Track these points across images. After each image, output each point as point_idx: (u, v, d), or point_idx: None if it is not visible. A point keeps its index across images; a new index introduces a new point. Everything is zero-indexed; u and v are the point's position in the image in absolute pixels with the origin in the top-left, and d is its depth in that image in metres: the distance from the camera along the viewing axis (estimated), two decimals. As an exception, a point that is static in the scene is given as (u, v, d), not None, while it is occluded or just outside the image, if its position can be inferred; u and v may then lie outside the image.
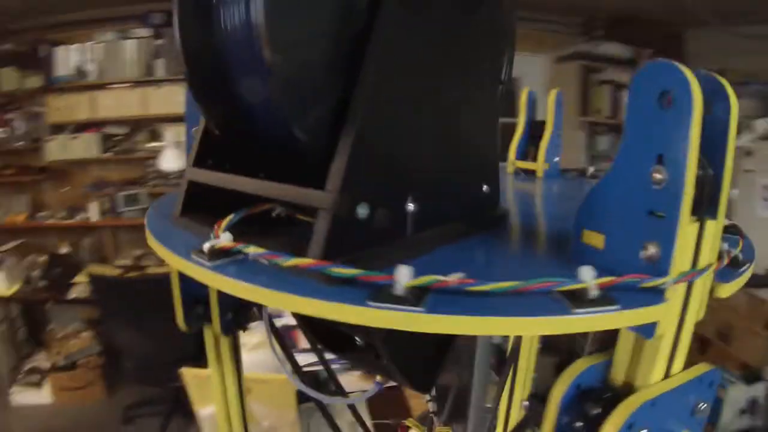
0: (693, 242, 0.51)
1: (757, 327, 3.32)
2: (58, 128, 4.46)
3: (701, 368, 0.58)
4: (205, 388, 2.17)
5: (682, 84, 0.47)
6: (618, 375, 0.59)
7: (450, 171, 0.65)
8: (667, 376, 0.57)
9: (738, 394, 3.13)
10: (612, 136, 4.60)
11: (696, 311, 0.55)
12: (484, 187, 0.70)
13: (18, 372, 3.88)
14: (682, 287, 0.52)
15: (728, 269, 0.59)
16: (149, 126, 4.60)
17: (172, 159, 2.80)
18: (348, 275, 0.47)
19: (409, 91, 0.57)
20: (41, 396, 3.73)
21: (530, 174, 1.23)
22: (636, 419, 0.52)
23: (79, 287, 4.07)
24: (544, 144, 1.20)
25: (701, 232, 0.51)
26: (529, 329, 0.47)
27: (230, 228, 0.56)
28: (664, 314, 0.51)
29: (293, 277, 0.49)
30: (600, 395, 0.57)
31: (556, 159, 1.24)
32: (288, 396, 2.31)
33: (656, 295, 0.50)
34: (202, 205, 0.64)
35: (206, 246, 0.52)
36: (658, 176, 0.50)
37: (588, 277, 0.48)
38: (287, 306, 0.47)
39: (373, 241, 0.53)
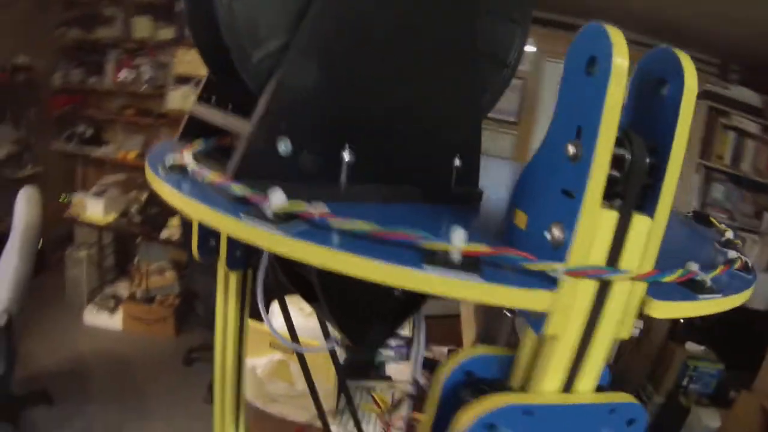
0: (608, 234, 0.44)
1: None
2: (182, 80, 4.67)
3: (617, 397, 0.51)
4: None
5: (605, 48, 0.41)
6: (517, 374, 0.53)
7: (407, 136, 0.63)
8: (568, 390, 0.49)
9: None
10: (729, 186, 4.26)
11: (614, 323, 0.47)
12: (456, 162, 0.66)
13: (96, 295, 4.15)
14: (589, 285, 0.45)
15: (685, 289, 0.51)
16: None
17: None
18: (238, 193, 0.49)
19: (356, 47, 0.57)
20: (112, 321, 3.94)
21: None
22: (499, 422, 0.46)
23: (172, 230, 4.27)
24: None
25: (624, 225, 0.44)
26: (374, 274, 0.43)
27: (205, 153, 0.63)
28: (551, 305, 0.45)
29: (215, 193, 0.52)
30: (480, 386, 0.51)
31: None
32: (328, 366, 2.30)
33: (545, 282, 0.44)
34: (198, 134, 0.70)
35: (167, 160, 0.58)
36: (572, 150, 0.44)
37: (456, 240, 0.43)
38: (195, 214, 0.50)
39: (296, 178, 0.55)
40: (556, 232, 0.44)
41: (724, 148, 4.15)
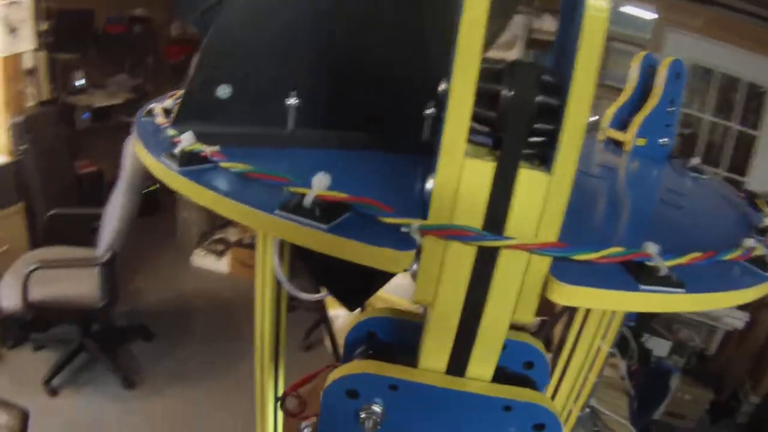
0: (482, 191, 0.36)
1: None
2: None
3: (517, 394, 0.42)
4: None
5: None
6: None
7: (365, 83, 0.59)
8: (454, 373, 0.42)
9: None
10: None
11: (507, 301, 0.39)
12: (428, 110, 0.62)
13: (206, 239, 4.34)
14: (463, 250, 0.38)
15: (627, 275, 0.41)
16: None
17: None
18: (171, 134, 0.53)
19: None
20: (219, 265, 4.09)
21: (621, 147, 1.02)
22: (361, 390, 0.42)
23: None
24: (641, 116, 0.98)
25: (504, 181, 0.36)
26: (233, 214, 0.42)
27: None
28: (410, 267, 0.38)
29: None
30: (370, 349, 0.47)
31: (664, 140, 1.01)
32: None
33: (406, 241, 0.38)
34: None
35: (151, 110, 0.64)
36: (442, 86, 0.36)
37: (316, 184, 0.40)
38: (141, 158, 0.54)
39: (239, 122, 0.56)
40: (428, 186, 0.37)
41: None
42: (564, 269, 0.38)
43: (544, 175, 0.35)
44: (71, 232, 2.64)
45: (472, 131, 0.36)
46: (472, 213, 0.36)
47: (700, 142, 4.24)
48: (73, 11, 3.22)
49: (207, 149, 0.48)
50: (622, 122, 1.03)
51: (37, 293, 2.36)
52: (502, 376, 0.46)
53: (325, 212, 0.40)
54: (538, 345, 0.48)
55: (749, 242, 0.53)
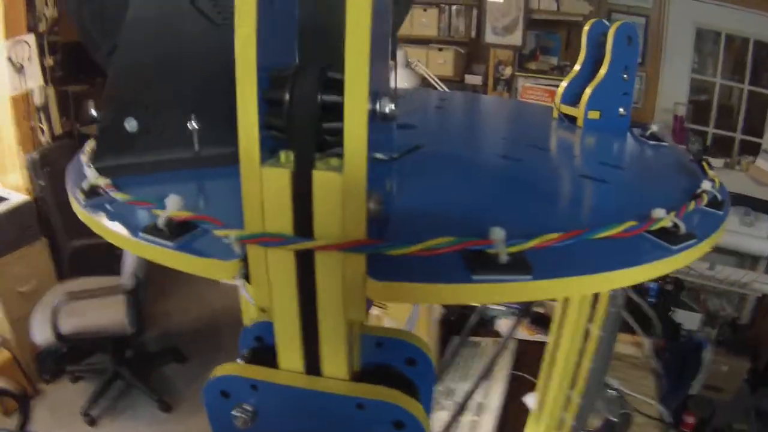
0: (284, 196, 0.37)
1: None
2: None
3: (372, 392, 0.43)
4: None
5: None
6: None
7: None
8: (312, 372, 0.43)
9: None
10: None
11: (335, 301, 0.40)
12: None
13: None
14: (283, 255, 0.39)
15: (467, 266, 0.41)
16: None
17: (400, 78, 2.83)
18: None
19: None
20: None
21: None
22: (230, 390, 0.44)
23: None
24: (591, 87, 0.96)
25: (302, 185, 0.37)
26: (115, 240, 0.49)
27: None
28: (243, 275, 0.41)
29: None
30: (251, 353, 0.48)
31: (621, 110, 0.99)
32: (426, 325, 2.26)
33: (233, 251, 0.41)
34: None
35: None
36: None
37: (169, 206, 0.45)
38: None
39: (151, 151, 0.62)
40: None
41: None
42: (390, 264, 0.39)
43: (336, 175, 0.35)
44: (96, 263, 2.71)
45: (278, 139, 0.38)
46: (282, 219, 0.37)
47: (714, 106, 4.14)
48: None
49: (102, 183, 0.55)
50: (576, 97, 1.01)
51: (67, 325, 2.44)
52: (377, 373, 0.47)
53: (176, 230, 0.45)
54: (417, 341, 0.48)
55: (658, 212, 0.51)
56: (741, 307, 3.79)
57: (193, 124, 0.61)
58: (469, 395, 1.37)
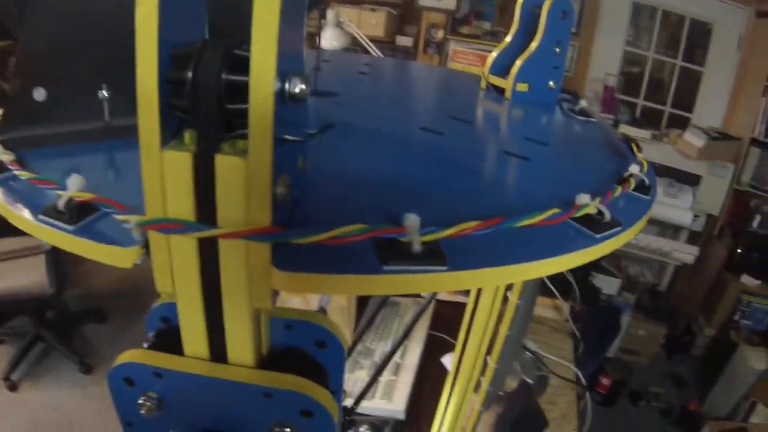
0: (186, 181, 0.35)
1: None
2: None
3: (278, 381, 0.42)
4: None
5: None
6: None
7: None
8: (218, 359, 0.42)
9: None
10: None
11: (241, 289, 0.38)
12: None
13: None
14: (184, 242, 0.37)
15: (376, 257, 0.40)
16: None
17: (330, 38, 2.80)
18: None
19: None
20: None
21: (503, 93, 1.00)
22: (134, 377, 0.42)
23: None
24: (522, 59, 0.96)
25: (206, 169, 0.35)
26: (16, 221, 0.46)
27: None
28: (144, 261, 0.39)
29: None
30: (158, 337, 0.46)
31: (550, 83, 0.99)
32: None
33: (133, 237, 0.39)
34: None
35: None
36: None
37: (71, 186, 0.42)
38: None
39: (61, 122, 0.58)
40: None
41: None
42: (297, 253, 0.37)
43: (240, 160, 0.34)
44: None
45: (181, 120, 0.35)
46: (184, 204, 0.35)
47: (645, 79, 4.26)
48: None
49: (6, 158, 0.50)
50: (505, 68, 1.01)
51: (-17, 289, 2.35)
52: (287, 356, 0.46)
53: (77, 213, 0.42)
54: (327, 323, 0.47)
55: (583, 198, 0.50)
56: (661, 275, 3.97)
57: (103, 93, 0.58)
58: (389, 356, 1.39)
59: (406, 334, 1.48)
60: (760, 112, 3.78)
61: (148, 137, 0.34)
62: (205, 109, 0.34)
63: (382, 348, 1.78)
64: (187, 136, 0.36)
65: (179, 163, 0.34)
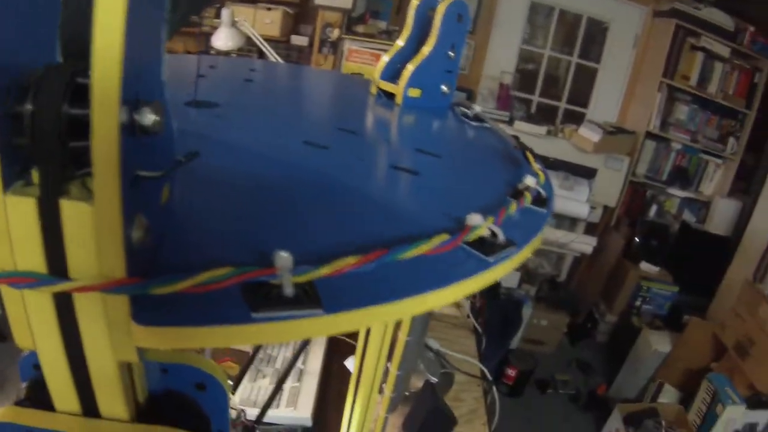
0: (32, 229, 0.32)
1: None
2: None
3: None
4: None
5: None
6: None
7: None
8: (90, 415, 0.39)
9: (736, 416, 2.70)
10: (695, 108, 4.13)
11: (103, 344, 0.35)
12: None
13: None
14: (39, 297, 0.34)
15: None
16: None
17: (224, 38, 2.72)
18: None
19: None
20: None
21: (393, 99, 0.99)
22: None
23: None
24: (413, 64, 0.96)
25: (51, 216, 0.31)
26: None
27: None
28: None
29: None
30: (32, 388, 0.42)
31: (444, 88, 0.99)
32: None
33: None
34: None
35: None
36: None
37: None
38: None
39: None
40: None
41: (690, 69, 4.02)
42: (160, 304, 0.33)
43: (85, 205, 0.30)
44: None
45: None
46: (34, 255, 0.32)
47: (541, 76, 4.41)
48: None
49: None
50: (397, 73, 1.00)
51: None
52: (166, 402, 0.44)
53: None
54: (205, 366, 0.45)
55: (474, 219, 0.47)
56: (559, 265, 4.12)
57: None
58: (291, 363, 1.36)
59: (308, 340, 1.45)
60: (655, 106, 4.01)
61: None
62: (45, 148, 0.30)
63: (283, 354, 1.75)
64: (35, 174, 0.32)
65: (22, 209, 0.31)
